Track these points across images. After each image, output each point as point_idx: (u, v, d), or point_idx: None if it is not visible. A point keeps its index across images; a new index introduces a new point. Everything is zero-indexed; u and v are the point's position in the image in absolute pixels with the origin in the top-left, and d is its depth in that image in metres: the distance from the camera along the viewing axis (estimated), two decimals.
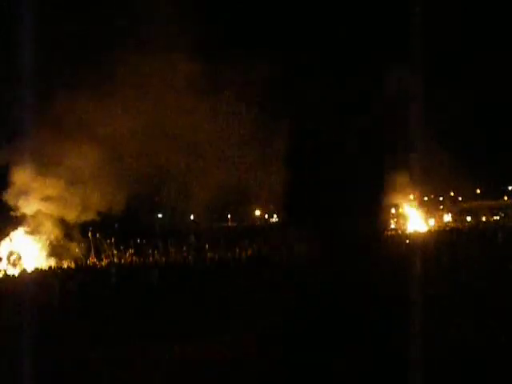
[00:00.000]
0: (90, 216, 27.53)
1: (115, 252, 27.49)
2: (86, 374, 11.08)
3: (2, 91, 25.07)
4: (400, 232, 40.53)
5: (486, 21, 44.54)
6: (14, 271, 24.04)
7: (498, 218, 55.70)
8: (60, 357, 11.92)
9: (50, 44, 26.48)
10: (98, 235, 27.81)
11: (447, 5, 33.63)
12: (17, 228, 25.92)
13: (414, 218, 44.25)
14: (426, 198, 51.66)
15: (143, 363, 11.63)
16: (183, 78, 30.15)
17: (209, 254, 26.59)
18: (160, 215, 55.85)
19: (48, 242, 26.49)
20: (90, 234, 27.62)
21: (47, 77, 25.96)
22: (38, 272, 23.00)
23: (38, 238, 26.39)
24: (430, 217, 47.87)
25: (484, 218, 55.39)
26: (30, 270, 23.75)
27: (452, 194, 66.55)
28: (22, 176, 25.21)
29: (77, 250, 26.84)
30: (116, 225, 29.68)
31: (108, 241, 28.06)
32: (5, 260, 25.26)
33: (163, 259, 26.19)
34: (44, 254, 26.12)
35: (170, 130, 29.90)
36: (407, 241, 31.44)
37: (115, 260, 26.32)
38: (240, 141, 32.38)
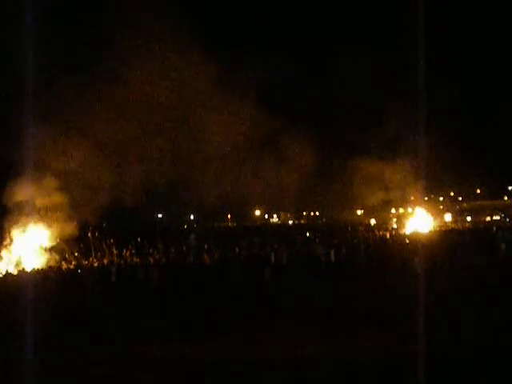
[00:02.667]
0: (91, 216, 27.53)
1: (114, 252, 27.43)
2: (87, 372, 11.07)
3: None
4: (399, 232, 40.55)
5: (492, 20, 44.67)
6: (13, 270, 24.03)
7: (497, 217, 55.71)
8: (60, 355, 11.94)
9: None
10: (95, 235, 27.76)
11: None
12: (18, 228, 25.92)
13: (413, 218, 44.13)
14: (426, 198, 51.58)
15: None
16: (188, 80, 30.18)
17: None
18: (160, 215, 55.96)
19: (48, 242, 26.49)
20: (89, 234, 27.59)
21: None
22: (38, 272, 22.98)
23: (38, 237, 26.39)
24: (431, 217, 47.76)
25: (484, 218, 55.45)
26: (29, 269, 23.73)
27: (452, 194, 66.57)
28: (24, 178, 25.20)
29: (76, 251, 26.86)
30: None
31: (108, 241, 27.98)
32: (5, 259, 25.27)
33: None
34: (44, 253, 26.09)
35: (172, 132, 29.96)
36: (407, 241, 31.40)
37: (115, 260, 26.28)
38: (242, 142, 32.44)
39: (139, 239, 29.34)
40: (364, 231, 40.90)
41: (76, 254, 26.55)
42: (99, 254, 27.01)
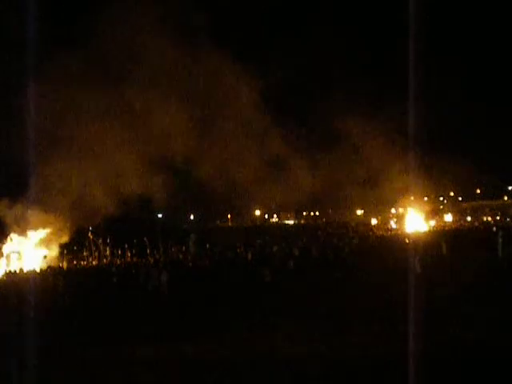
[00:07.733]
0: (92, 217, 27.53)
1: (114, 252, 27.45)
2: (87, 372, 11.09)
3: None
4: (399, 232, 40.58)
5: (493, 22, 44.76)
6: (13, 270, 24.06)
7: (497, 217, 55.67)
8: (60, 355, 11.96)
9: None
10: (93, 236, 27.78)
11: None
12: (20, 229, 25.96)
13: (414, 218, 44.19)
14: (426, 198, 51.65)
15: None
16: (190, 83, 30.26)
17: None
18: (160, 215, 55.88)
19: (49, 242, 26.53)
20: (90, 235, 27.59)
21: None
22: (37, 272, 23.00)
23: (39, 238, 26.43)
24: (431, 217, 47.81)
25: (484, 218, 55.43)
26: (28, 269, 23.77)
27: (452, 194, 66.65)
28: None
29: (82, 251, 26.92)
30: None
31: (103, 241, 27.97)
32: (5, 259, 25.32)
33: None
34: (44, 253, 26.13)
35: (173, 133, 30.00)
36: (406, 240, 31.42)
37: (115, 260, 26.32)
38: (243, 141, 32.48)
39: (139, 239, 29.37)
40: (364, 231, 40.97)
41: (75, 254, 26.64)
42: (99, 253, 27.08)
